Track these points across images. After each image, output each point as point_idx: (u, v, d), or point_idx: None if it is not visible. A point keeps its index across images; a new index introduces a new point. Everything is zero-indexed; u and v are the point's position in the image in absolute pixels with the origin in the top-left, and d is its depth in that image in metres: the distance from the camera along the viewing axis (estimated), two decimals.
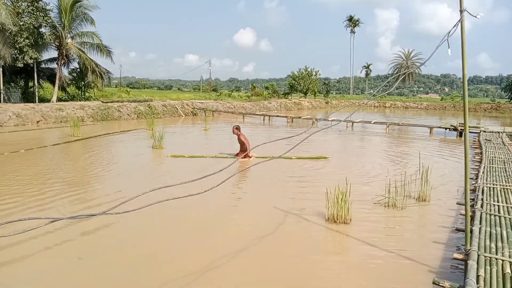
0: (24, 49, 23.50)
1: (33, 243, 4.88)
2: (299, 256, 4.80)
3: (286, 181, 8.76)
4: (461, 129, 18.38)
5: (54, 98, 26.59)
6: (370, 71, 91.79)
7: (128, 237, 5.32)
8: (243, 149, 10.89)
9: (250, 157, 10.66)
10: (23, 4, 23.94)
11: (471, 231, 4.42)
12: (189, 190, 3.29)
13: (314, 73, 56.28)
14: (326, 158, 11.38)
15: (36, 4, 23.97)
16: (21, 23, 23.27)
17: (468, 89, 4.24)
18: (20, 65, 24.16)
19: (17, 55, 23.52)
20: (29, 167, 9.52)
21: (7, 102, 23.52)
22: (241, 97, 49.38)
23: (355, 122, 22.95)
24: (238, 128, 11.14)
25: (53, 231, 5.26)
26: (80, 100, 28.27)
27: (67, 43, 27.12)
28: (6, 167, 9.41)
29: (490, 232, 4.59)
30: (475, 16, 4.07)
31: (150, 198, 3.03)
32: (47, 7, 24.90)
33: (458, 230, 5.13)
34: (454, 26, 4.07)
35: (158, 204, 2.93)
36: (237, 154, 11.03)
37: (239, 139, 11.02)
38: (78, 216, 3.87)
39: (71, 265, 4.40)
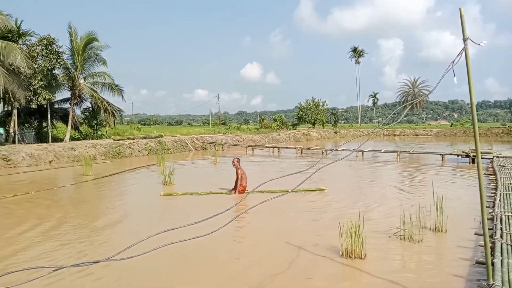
0: (38, 91, 24.25)
1: None
2: None
3: (295, 216, 8.56)
4: (473, 156, 18.07)
5: (67, 137, 27.10)
6: (377, 99, 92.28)
7: (135, 282, 5.19)
8: (238, 184, 10.73)
9: (243, 192, 10.46)
10: (37, 48, 24.94)
11: (493, 264, 4.23)
12: (194, 232, 3.21)
13: (321, 104, 56.78)
14: (323, 190, 11.05)
15: (50, 47, 24.94)
16: (36, 66, 24.14)
17: (478, 114, 4.20)
18: (34, 106, 24.85)
19: (31, 97, 24.23)
20: (35, 211, 9.51)
21: (21, 143, 24.00)
22: (250, 130, 49.71)
23: (365, 151, 22.78)
24: (238, 160, 10.98)
25: (58, 281, 4.92)
26: (92, 139, 28.75)
27: (79, 84, 27.96)
28: (11, 211, 9.43)
29: None
30: (479, 44, 4.04)
31: (156, 242, 2.96)
32: (60, 50, 25.88)
33: (478, 262, 4.92)
34: (458, 55, 4.06)
35: (164, 248, 2.86)
36: (232, 189, 10.85)
37: (237, 173, 10.78)
38: (82, 264, 3.75)
39: None
